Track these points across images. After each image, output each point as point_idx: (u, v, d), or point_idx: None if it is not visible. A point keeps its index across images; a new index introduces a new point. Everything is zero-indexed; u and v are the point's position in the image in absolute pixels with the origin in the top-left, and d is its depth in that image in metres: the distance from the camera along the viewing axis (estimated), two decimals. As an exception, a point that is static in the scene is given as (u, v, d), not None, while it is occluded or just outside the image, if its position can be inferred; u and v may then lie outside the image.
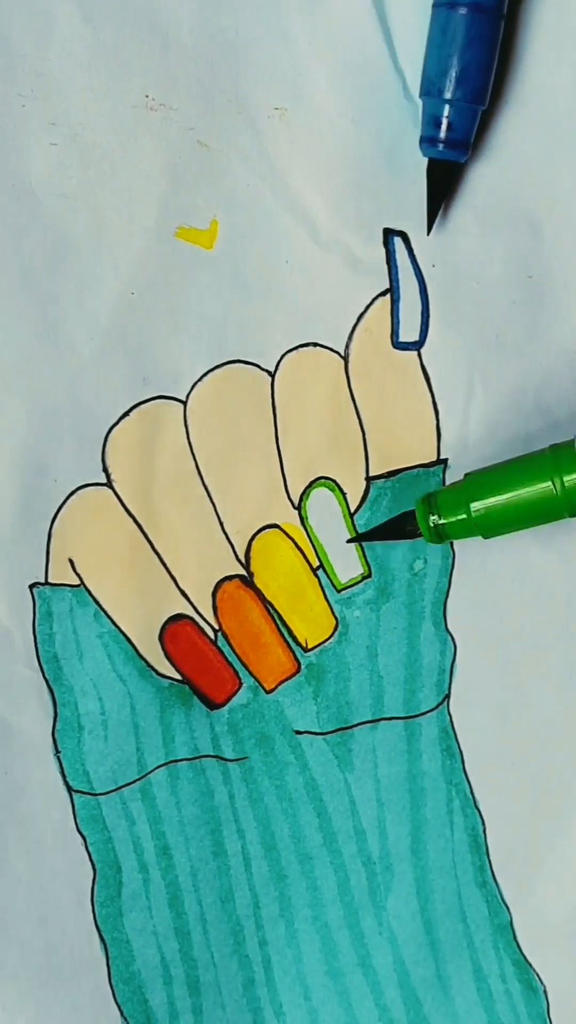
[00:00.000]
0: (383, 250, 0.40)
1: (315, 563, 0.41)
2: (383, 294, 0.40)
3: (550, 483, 0.37)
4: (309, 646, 0.41)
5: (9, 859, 0.41)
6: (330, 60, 0.39)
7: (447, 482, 0.40)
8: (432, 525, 0.38)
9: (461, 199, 0.40)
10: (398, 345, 0.40)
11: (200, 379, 0.40)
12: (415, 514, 0.39)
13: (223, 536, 0.41)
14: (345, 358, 0.40)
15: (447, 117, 0.38)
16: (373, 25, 0.39)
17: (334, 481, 0.40)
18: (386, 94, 0.39)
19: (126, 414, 0.40)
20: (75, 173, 0.39)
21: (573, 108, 0.39)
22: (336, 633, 0.41)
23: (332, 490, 0.41)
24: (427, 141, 0.38)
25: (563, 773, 0.41)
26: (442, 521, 0.38)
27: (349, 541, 0.41)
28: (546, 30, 0.39)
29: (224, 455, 0.40)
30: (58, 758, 0.41)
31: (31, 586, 0.41)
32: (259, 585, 0.41)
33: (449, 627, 0.41)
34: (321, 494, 0.41)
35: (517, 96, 0.39)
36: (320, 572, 0.41)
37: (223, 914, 0.42)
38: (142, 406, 0.40)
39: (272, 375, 0.40)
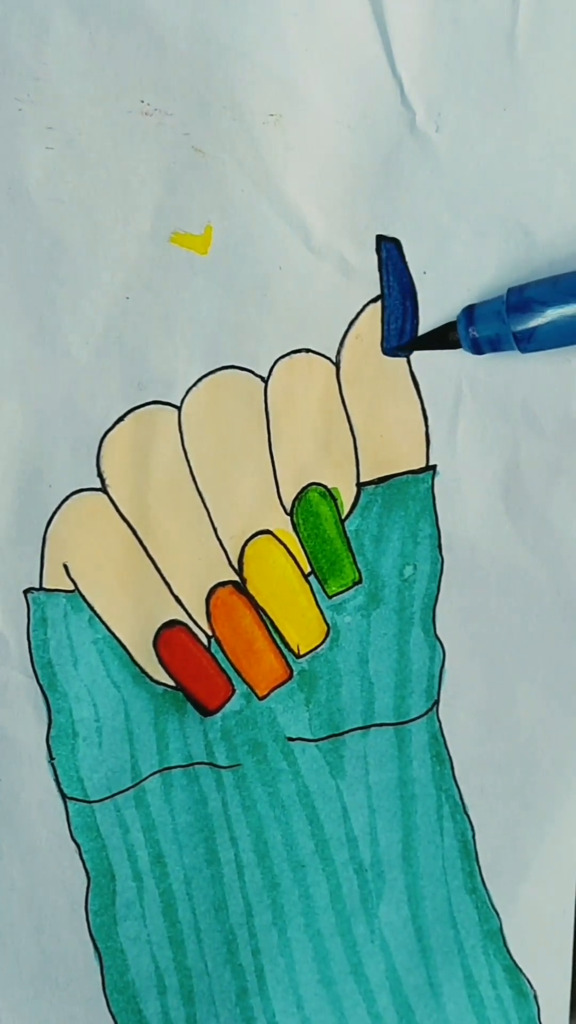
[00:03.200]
0: (375, 257, 0.40)
1: (307, 569, 0.41)
2: (375, 301, 0.40)
3: None
4: (301, 652, 0.41)
5: (3, 867, 0.41)
6: (327, 66, 0.39)
7: (435, 490, 0.41)
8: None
9: (455, 207, 0.40)
10: (388, 352, 0.40)
11: (194, 384, 0.40)
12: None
13: (216, 542, 0.41)
14: (337, 364, 0.40)
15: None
16: (370, 30, 0.39)
17: (325, 487, 0.41)
18: (383, 100, 0.39)
19: (121, 419, 0.40)
20: (71, 178, 0.39)
21: (568, 117, 0.39)
22: (327, 639, 0.41)
23: (323, 496, 0.41)
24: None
25: (550, 777, 0.41)
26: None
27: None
28: (545, 41, 0.39)
29: (217, 461, 0.40)
30: (52, 765, 0.41)
31: (25, 592, 0.40)
32: (252, 591, 0.41)
33: (438, 633, 0.41)
34: (313, 500, 0.41)
35: (514, 105, 0.39)
36: (311, 578, 0.41)
37: (216, 923, 0.41)
38: (137, 411, 0.40)
39: (265, 381, 0.40)
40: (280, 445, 0.40)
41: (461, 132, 0.39)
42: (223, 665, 0.41)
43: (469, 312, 0.39)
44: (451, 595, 0.41)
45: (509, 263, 0.40)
